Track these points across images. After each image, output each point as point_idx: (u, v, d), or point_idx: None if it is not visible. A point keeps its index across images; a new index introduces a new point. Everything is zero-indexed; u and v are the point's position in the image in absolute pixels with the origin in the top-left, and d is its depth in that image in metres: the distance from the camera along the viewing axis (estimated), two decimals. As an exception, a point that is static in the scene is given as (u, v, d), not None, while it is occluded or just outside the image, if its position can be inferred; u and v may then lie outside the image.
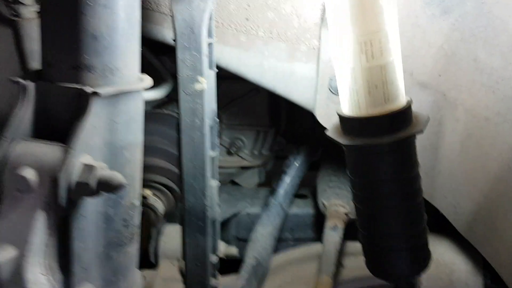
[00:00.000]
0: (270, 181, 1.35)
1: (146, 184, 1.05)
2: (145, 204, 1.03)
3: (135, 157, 0.64)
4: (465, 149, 0.78)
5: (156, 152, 1.08)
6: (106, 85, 0.56)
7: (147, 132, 1.11)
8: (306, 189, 1.29)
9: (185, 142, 0.78)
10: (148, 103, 1.23)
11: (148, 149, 1.09)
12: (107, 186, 0.52)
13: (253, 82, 0.89)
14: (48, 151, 0.52)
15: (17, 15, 0.78)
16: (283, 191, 1.14)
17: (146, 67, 1.23)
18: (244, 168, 1.35)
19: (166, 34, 0.86)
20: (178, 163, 0.80)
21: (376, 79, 0.56)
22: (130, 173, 0.62)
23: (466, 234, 0.83)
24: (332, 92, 0.87)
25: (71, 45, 0.54)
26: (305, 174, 1.26)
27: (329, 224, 1.06)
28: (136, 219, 0.66)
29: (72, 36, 0.53)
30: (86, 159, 0.53)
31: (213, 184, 0.81)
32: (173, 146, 1.10)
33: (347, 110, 0.59)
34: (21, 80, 0.55)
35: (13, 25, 0.78)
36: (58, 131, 0.57)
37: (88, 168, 0.52)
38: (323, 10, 0.82)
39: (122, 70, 0.57)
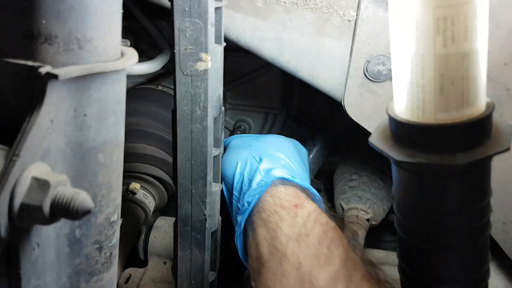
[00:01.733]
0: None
1: (134, 175, 0.91)
2: (132, 200, 0.89)
3: (113, 160, 0.49)
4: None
5: (146, 137, 0.93)
6: (70, 63, 0.41)
7: (136, 112, 0.97)
8: (320, 180, 1.16)
9: (182, 136, 0.63)
10: (139, 76, 1.08)
11: (136, 133, 0.95)
12: (66, 211, 0.38)
13: (269, 60, 0.74)
14: (-18, 156, 0.37)
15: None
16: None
17: (138, 33, 1.08)
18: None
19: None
20: (173, 155, 0.65)
21: (454, 72, 0.41)
22: (106, 182, 0.48)
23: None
24: (368, 78, 0.71)
25: (22, 4, 0.38)
26: (320, 167, 1.13)
27: (348, 231, 0.93)
28: (115, 238, 0.52)
29: (22, -10, 0.38)
30: (39, 169, 0.39)
31: (215, 188, 0.66)
32: (167, 130, 0.95)
33: (404, 112, 0.44)
34: None
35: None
36: (2, 121, 0.42)
37: (40, 184, 0.38)
38: (366, -28, 0.65)
39: (94, 41, 0.42)
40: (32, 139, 0.38)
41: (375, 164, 0.99)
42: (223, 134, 0.69)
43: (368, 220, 0.96)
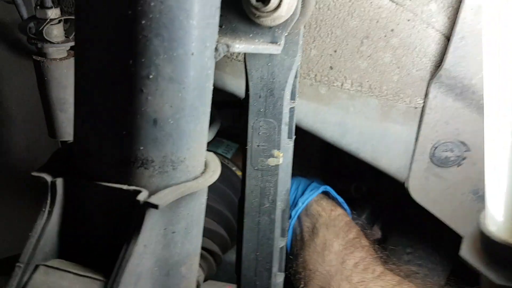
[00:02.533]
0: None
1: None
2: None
3: (193, 270, 0.49)
4: None
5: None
6: (163, 184, 0.41)
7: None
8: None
9: (248, 227, 0.63)
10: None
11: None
12: None
13: (329, 142, 0.74)
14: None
15: (43, 54, 0.64)
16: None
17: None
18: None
19: (227, 81, 0.71)
20: (237, 245, 0.65)
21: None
22: (185, 293, 0.48)
23: None
24: (435, 163, 0.70)
25: (121, 131, 0.39)
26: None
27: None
28: None
29: (123, 119, 0.39)
30: (133, 299, 0.39)
31: (279, 280, 0.66)
32: (220, 202, 0.95)
33: (503, 230, 0.43)
34: (44, 176, 0.41)
35: (37, 66, 0.64)
36: (95, 245, 0.43)
37: (137, 317, 0.38)
38: (434, 62, 0.66)
39: (187, 161, 0.43)
40: (128, 270, 0.38)
41: (429, 237, 0.97)
42: (288, 223, 0.68)
43: (424, 297, 0.93)
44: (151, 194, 0.40)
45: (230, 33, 0.47)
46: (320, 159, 1.22)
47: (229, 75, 0.70)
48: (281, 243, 0.64)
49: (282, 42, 0.47)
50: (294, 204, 0.88)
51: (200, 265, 0.93)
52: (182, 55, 0.38)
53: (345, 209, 0.89)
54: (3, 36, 0.77)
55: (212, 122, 1.02)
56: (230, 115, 1.22)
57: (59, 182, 0.41)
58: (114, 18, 0.36)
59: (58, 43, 0.62)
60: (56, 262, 0.40)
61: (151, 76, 0.38)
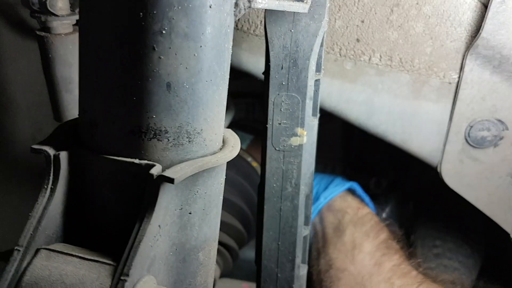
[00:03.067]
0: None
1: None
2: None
3: (211, 257, 0.45)
4: None
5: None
6: (178, 158, 0.37)
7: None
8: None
9: (269, 214, 0.58)
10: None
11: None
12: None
13: (355, 124, 0.69)
14: (85, 273, 0.34)
15: (47, 29, 0.60)
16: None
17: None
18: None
19: (243, 58, 0.67)
20: (257, 234, 0.61)
21: None
22: (203, 282, 0.44)
23: None
24: (470, 144, 0.65)
25: (130, 97, 0.35)
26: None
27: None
28: None
29: (133, 83, 0.35)
30: (146, 285, 0.34)
31: (303, 272, 0.61)
32: (235, 193, 0.91)
33: None
34: (46, 149, 0.37)
35: (41, 43, 0.60)
36: (103, 226, 0.38)
37: (150, 304, 0.34)
38: (470, 32, 0.61)
39: (204, 133, 0.38)
40: (141, 252, 0.34)
41: (460, 227, 0.92)
42: (311, 211, 0.64)
43: (455, 292, 0.87)
44: (165, 168, 0.36)
45: (251, -7, 0.43)
46: (340, 152, 1.18)
47: (246, 51, 0.66)
48: (304, 231, 0.60)
49: (309, 0, 0.43)
50: (316, 198, 0.85)
51: (216, 261, 0.89)
52: (199, 7, 0.34)
53: (371, 209, 0.86)
54: (7, 16, 0.74)
55: (227, 109, 0.99)
56: (244, 107, 1.18)
57: (63, 155, 0.37)
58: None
59: (63, 16, 0.58)
60: (59, 246, 0.36)
61: (164, 32, 0.33)
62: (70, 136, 0.39)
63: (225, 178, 0.98)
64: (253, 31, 0.66)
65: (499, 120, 0.64)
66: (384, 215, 1.02)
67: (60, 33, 0.59)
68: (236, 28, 0.65)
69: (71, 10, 0.60)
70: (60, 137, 0.39)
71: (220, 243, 0.89)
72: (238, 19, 0.64)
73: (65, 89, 0.61)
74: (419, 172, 1.03)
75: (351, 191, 0.86)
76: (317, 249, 0.80)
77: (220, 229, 0.90)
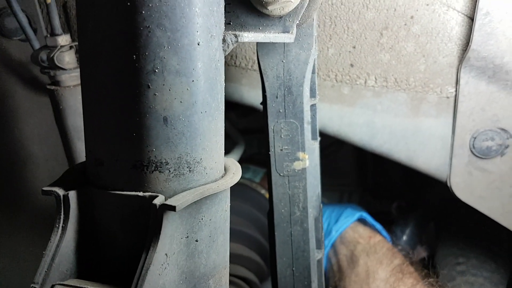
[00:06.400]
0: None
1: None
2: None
3: (223, 284, 0.46)
4: None
5: (230, 234, 0.90)
6: (180, 188, 0.39)
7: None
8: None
9: (280, 240, 0.59)
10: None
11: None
12: None
13: (359, 146, 0.71)
14: (98, 305, 0.35)
15: (57, 82, 0.64)
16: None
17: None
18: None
19: (244, 93, 0.69)
20: (270, 262, 0.61)
21: None
22: (216, 310, 0.45)
23: None
24: (476, 155, 0.66)
25: (130, 134, 0.38)
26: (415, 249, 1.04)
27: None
28: None
29: (132, 120, 0.37)
30: (157, 313, 0.36)
31: (320, 296, 0.61)
32: (251, 226, 0.92)
33: None
34: (55, 190, 0.39)
35: (52, 95, 0.64)
36: (114, 259, 0.40)
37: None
38: (460, 45, 0.62)
39: (203, 162, 0.40)
40: (149, 280, 0.35)
41: (482, 242, 0.90)
42: (323, 234, 0.64)
43: (485, 310, 0.85)
44: (168, 198, 0.38)
45: (239, 28, 0.46)
46: (355, 177, 1.19)
47: (246, 86, 0.69)
48: (318, 255, 0.60)
49: (294, 30, 0.45)
50: (328, 232, 0.86)
51: (237, 295, 0.89)
52: (187, 46, 0.36)
53: (384, 236, 0.87)
54: (20, 75, 0.79)
55: (236, 144, 1.01)
56: (256, 142, 1.21)
57: (72, 194, 0.39)
58: (114, 12, 0.35)
59: (70, 69, 0.62)
60: (73, 281, 0.38)
61: (156, 70, 0.36)
62: (78, 177, 0.42)
63: (240, 212, 0.99)
64: (251, 66, 0.69)
65: (502, 129, 0.65)
66: (404, 237, 1.01)
67: (69, 85, 0.63)
68: (234, 65, 0.68)
69: (77, 63, 0.64)
70: (68, 178, 0.41)
71: (240, 277, 0.89)
72: (236, 57, 0.67)
73: (77, 137, 0.65)
74: (436, 191, 1.03)
75: (362, 220, 0.88)
76: (334, 284, 0.81)
77: (239, 263, 0.92)
